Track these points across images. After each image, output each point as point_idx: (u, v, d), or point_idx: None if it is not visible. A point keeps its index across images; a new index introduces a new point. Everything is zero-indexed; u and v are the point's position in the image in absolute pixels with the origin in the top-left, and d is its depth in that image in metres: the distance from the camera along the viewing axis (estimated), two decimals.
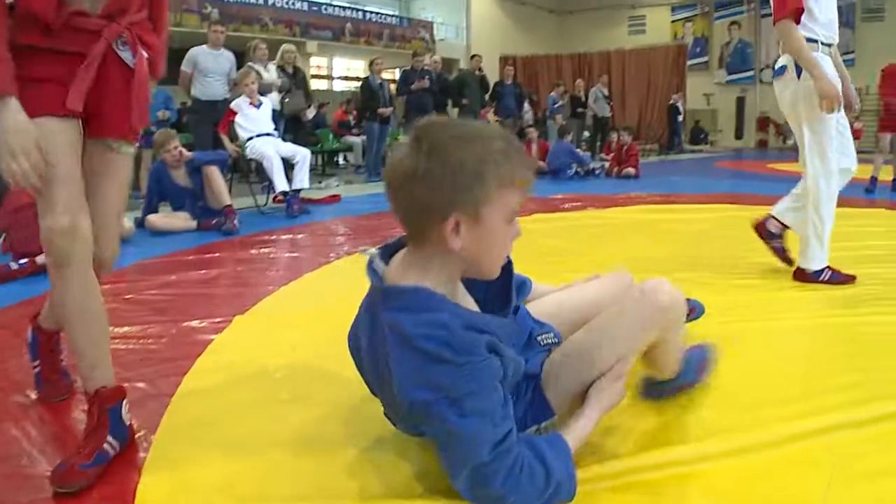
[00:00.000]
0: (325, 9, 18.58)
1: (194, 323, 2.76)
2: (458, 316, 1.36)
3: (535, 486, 1.37)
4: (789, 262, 3.65)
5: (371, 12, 20.11)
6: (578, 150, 11.52)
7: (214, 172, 5.43)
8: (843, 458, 1.62)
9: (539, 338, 1.69)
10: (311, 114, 8.39)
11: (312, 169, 8.89)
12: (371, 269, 1.49)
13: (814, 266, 3.47)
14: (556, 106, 13.86)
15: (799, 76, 3.29)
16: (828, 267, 3.46)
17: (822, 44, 3.29)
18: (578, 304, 1.95)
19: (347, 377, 2.15)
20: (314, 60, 19.36)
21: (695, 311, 2.42)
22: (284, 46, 8.18)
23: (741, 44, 25.54)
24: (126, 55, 1.77)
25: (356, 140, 12.02)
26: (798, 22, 3.24)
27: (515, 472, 1.35)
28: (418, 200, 1.34)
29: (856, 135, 3.54)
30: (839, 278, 3.44)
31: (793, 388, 2.07)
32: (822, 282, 3.44)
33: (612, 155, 11.41)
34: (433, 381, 1.34)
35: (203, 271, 3.74)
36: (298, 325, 2.79)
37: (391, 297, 1.41)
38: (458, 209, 1.33)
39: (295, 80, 8.13)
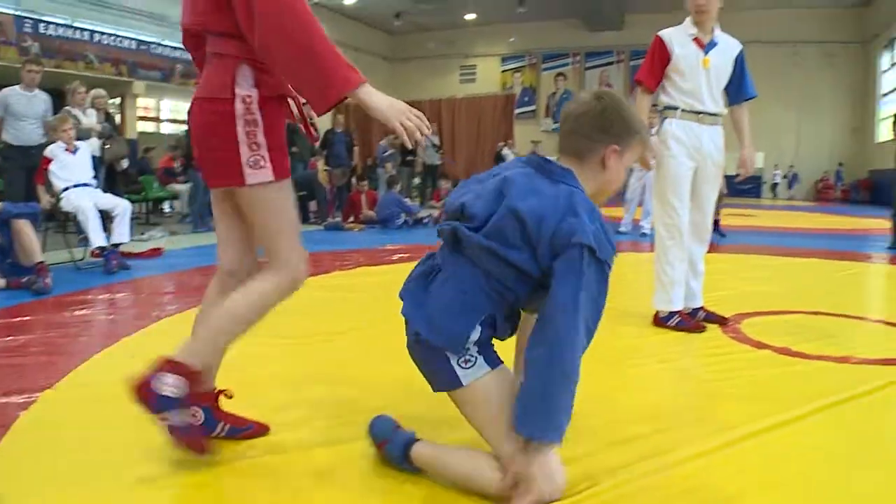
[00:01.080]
0: (154, 48, 18.05)
1: None
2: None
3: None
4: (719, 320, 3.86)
5: None
6: (407, 199, 11.80)
7: (25, 227, 5.14)
8: None
9: None
10: (125, 164, 8.15)
11: (136, 218, 8.61)
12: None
13: (658, 306, 3.74)
14: (386, 154, 14.08)
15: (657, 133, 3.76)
16: (678, 313, 3.72)
17: (683, 110, 3.69)
18: None
19: (167, 452, 2.16)
20: (141, 101, 18.70)
21: None
22: (94, 91, 7.93)
23: (566, 94, 27.11)
24: None
25: (182, 188, 11.64)
26: (650, 92, 3.75)
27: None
28: (600, 126, 1.90)
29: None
30: (686, 325, 3.69)
31: (587, 441, 2.18)
32: (671, 327, 3.69)
33: (440, 203, 11.79)
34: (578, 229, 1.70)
35: (9, 337, 3.53)
36: (111, 398, 2.71)
37: (564, 173, 1.88)
38: (620, 143, 1.91)
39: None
